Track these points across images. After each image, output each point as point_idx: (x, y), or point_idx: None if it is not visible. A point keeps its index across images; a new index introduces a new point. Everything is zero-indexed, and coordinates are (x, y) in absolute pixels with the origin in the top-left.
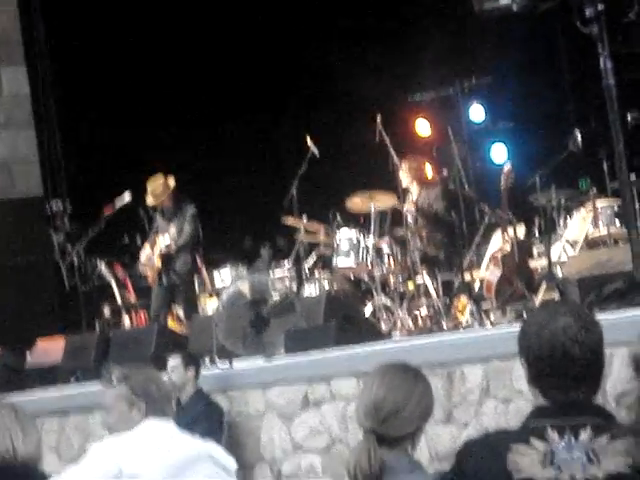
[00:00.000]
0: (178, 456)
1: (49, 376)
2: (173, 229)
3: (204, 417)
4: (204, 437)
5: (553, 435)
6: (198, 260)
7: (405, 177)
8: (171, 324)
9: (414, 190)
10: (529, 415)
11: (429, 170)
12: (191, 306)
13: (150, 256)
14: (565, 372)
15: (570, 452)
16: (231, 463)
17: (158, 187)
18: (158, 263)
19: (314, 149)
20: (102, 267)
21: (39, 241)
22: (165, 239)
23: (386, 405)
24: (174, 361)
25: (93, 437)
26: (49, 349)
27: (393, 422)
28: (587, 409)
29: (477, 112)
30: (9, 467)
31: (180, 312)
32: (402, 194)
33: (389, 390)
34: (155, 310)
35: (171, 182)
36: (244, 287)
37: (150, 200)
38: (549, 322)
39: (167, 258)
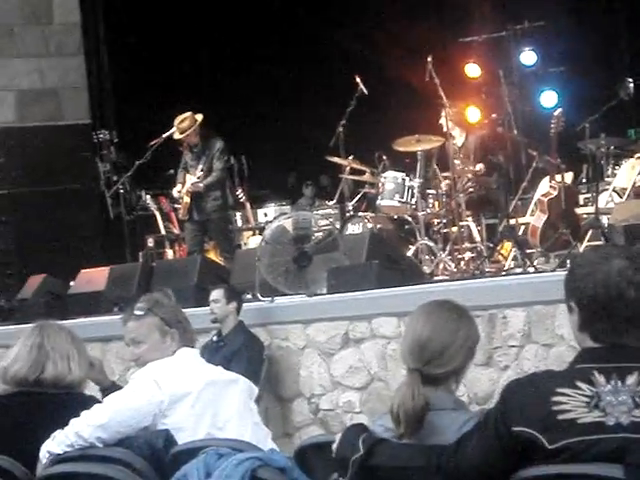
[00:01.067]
0: (213, 378)
1: (92, 305)
2: (201, 166)
3: (244, 350)
4: (244, 369)
5: (600, 378)
6: (243, 196)
7: (447, 122)
8: (214, 257)
9: (457, 134)
10: (575, 358)
11: (475, 114)
12: (228, 241)
13: (180, 193)
14: (619, 314)
15: (616, 396)
16: (254, 389)
17: (184, 121)
18: (187, 199)
19: (363, 88)
20: (147, 198)
21: (85, 169)
22: (192, 178)
23: (432, 344)
24: (217, 294)
25: (133, 365)
26: (92, 278)
27: (438, 361)
28: (635, 354)
29: (528, 56)
30: (59, 389)
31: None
32: (447, 138)
33: (434, 329)
34: (190, 247)
35: (198, 117)
36: (287, 223)
37: (176, 135)
38: (602, 263)
39: (196, 195)
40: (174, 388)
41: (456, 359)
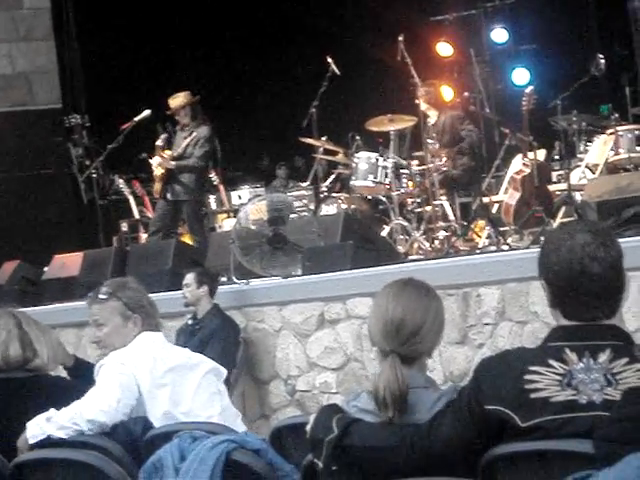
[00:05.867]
0: (176, 362)
1: (66, 290)
2: (182, 147)
3: (220, 333)
4: (220, 352)
5: (572, 356)
6: (217, 179)
7: (422, 102)
8: (188, 241)
9: (432, 114)
10: (548, 336)
11: (448, 93)
12: (199, 225)
13: (157, 167)
14: (584, 289)
15: (588, 374)
16: (222, 369)
17: (177, 99)
18: (160, 171)
19: (335, 68)
20: (120, 182)
21: (57, 154)
22: (173, 152)
23: (407, 325)
24: (188, 278)
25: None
26: (66, 263)
27: (414, 341)
28: (607, 331)
29: (500, 34)
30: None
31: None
32: (421, 117)
33: (407, 310)
34: (154, 222)
35: (194, 98)
36: (262, 205)
37: (169, 111)
38: (567, 239)
39: (171, 175)
40: (136, 373)
41: (430, 336)
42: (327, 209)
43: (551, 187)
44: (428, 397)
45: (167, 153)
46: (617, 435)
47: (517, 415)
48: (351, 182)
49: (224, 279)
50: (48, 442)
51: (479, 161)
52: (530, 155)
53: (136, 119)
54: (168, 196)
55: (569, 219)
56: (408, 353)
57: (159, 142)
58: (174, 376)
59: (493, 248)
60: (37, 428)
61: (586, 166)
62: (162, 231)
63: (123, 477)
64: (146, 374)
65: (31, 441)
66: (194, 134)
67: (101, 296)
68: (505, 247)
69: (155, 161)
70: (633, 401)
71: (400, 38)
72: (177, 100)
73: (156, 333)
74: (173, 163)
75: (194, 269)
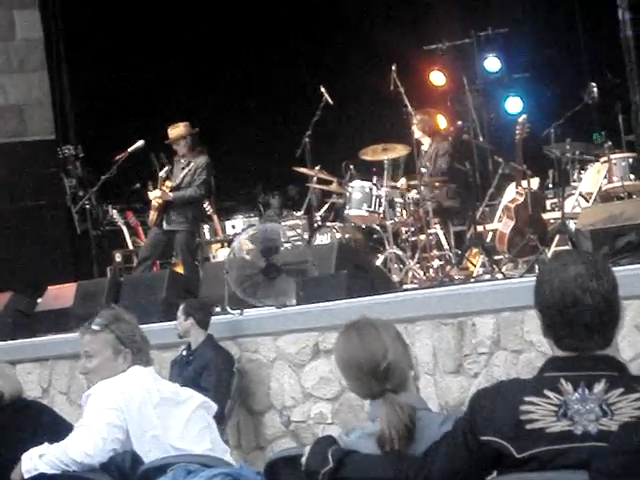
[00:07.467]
0: (164, 396)
1: (60, 321)
2: (180, 178)
3: (214, 363)
4: (214, 383)
5: (567, 387)
6: (210, 209)
7: (417, 130)
8: (182, 271)
9: (426, 142)
10: (543, 366)
11: (441, 122)
12: (191, 256)
13: (155, 198)
14: (576, 320)
15: (584, 404)
16: (212, 404)
17: (176, 129)
18: (156, 202)
19: (328, 98)
20: (114, 213)
21: (51, 185)
22: (173, 183)
23: (382, 363)
24: (179, 310)
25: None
26: (60, 294)
27: (394, 373)
28: (602, 361)
29: (493, 62)
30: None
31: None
32: (415, 146)
33: (374, 350)
34: (144, 249)
35: (193, 129)
36: (255, 236)
37: (167, 140)
38: (560, 271)
39: (169, 205)
40: (124, 405)
41: (408, 357)
42: (321, 238)
43: (545, 215)
44: (433, 419)
45: (168, 184)
46: (614, 468)
47: (512, 446)
48: (345, 211)
49: (218, 309)
50: (40, 476)
51: (473, 190)
52: (524, 184)
53: (130, 150)
54: (164, 225)
55: (563, 247)
56: (397, 383)
57: (162, 173)
58: (163, 410)
59: (487, 277)
60: (31, 463)
61: (580, 194)
62: (151, 259)
63: None
64: (135, 406)
65: (26, 476)
66: (192, 164)
67: (94, 327)
68: (499, 276)
69: (154, 194)
70: (630, 434)
71: (393, 67)
72: (177, 130)
73: (147, 367)
74: (171, 195)
75: (183, 301)
